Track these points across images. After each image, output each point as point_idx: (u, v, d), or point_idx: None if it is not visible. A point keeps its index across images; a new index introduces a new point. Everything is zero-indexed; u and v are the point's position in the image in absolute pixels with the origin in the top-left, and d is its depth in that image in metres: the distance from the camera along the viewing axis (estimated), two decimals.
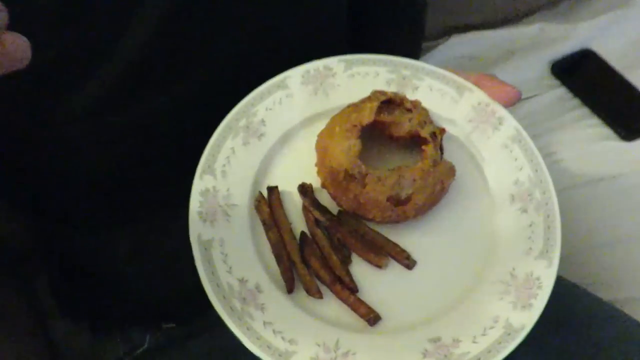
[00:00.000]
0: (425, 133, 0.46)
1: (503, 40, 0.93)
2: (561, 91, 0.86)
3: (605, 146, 0.78)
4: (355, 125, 0.46)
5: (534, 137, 0.79)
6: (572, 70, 0.88)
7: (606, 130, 0.80)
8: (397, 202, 0.45)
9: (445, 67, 0.53)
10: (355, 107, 0.48)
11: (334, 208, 0.47)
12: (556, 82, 0.87)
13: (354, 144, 0.45)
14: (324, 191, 0.48)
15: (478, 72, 0.52)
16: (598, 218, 0.72)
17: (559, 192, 0.73)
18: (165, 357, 0.57)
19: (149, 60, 0.49)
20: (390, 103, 0.48)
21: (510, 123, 0.49)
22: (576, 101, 0.85)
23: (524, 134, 0.49)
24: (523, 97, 0.83)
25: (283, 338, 0.41)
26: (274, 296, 0.43)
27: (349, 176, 0.45)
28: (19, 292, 0.62)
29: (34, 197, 0.58)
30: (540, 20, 0.94)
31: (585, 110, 0.83)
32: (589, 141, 0.79)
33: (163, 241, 0.57)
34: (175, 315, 0.59)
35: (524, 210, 0.46)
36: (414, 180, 0.44)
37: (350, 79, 0.52)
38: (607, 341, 0.55)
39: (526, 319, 0.42)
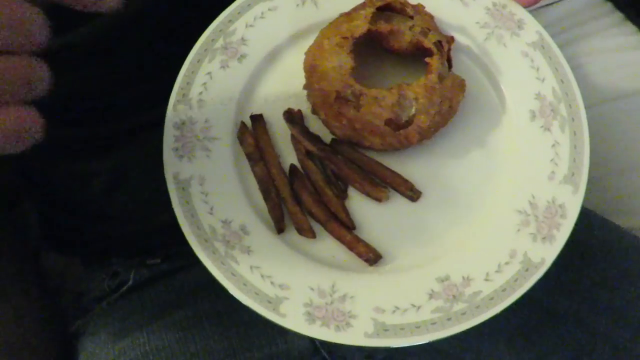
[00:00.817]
0: (429, 43, 0.40)
1: None
2: None
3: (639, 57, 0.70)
4: (346, 38, 0.40)
5: (559, 46, 0.73)
6: None
7: None
8: (398, 125, 0.40)
9: None
10: (347, 17, 0.42)
11: (327, 136, 0.42)
12: None
13: (346, 60, 0.40)
14: (316, 117, 0.42)
15: None
16: (626, 139, 0.66)
17: (586, 109, 0.67)
18: (150, 293, 0.56)
19: None
20: (388, 9, 0.42)
21: (531, 26, 0.43)
22: (609, 6, 0.76)
23: (548, 39, 0.43)
24: (547, 2, 0.76)
25: (272, 283, 0.38)
26: (261, 237, 0.40)
27: (342, 98, 0.40)
28: (5, 227, 0.60)
29: None
30: None
31: (618, 16, 0.75)
32: (622, 50, 0.71)
33: (143, 172, 0.54)
34: (159, 249, 0.57)
35: (547, 129, 0.41)
36: (417, 99, 0.39)
37: None
38: (627, 277, 0.52)
39: (547, 253, 0.38)
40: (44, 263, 0.65)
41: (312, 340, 0.53)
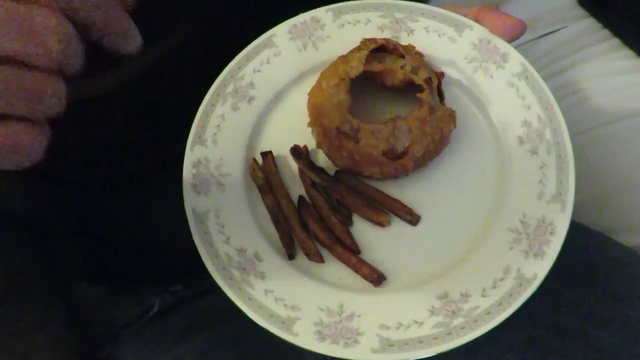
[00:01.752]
0: (419, 79, 0.44)
1: None
2: (589, 22, 0.80)
3: (638, 79, 0.72)
4: (343, 79, 0.44)
5: (559, 71, 0.76)
6: None
7: (639, 62, 0.75)
8: (394, 155, 0.43)
9: (444, 5, 0.50)
10: (343, 59, 0.46)
11: (331, 168, 0.46)
12: (583, 12, 0.82)
13: (344, 98, 0.44)
14: (321, 151, 0.47)
15: (477, 6, 0.49)
16: (623, 159, 0.68)
17: (584, 132, 0.70)
18: (173, 318, 0.60)
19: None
20: (381, 50, 0.46)
21: (515, 59, 0.47)
22: (606, 32, 0.79)
23: (532, 70, 0.46)
24: (546, 31, 0.80)
25: (285, 305, 0.41)
26: (274, 263, 0.43)
27: (342, 133, 0.44)
28: (39, 262, 0.65)
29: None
30: None
31: (616, 42, 0.77)
32: (621, 74, 0.73)
33: (163, 207, 0.58)
34: (181, 277, 0.61)
35: (534, 152, 0.44)
36: (410, 130, 0.43)
37: (341, 29, 0.50)
38: (631, 290, 0.53)
39: (539, 268, 0.40)
40: (74, 294, 0.70)
41: (325, 358, 0.56)
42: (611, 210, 0.66)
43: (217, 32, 0.53)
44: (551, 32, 0.80)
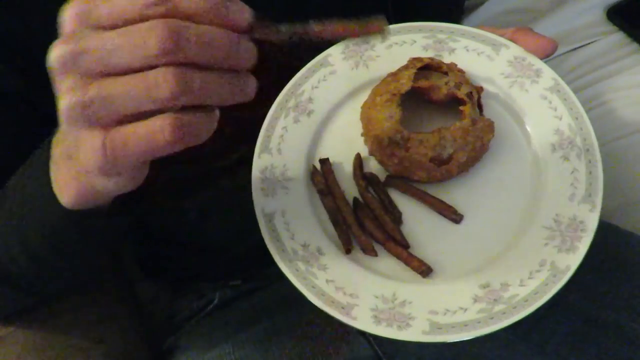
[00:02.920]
0: (461, 94, 0.51)
1: None
2: (618, 37, 0.85)
3: None
4: (395, 94, 0.51)
5: (589, 84, 0.81)
6: (630, 14, 0.86)
7: None
8: (440, 161, 0.49)
9: (481, 26, 0.56)
10: (393, 77, 0.53)
11: (382, 173, 0.53)
12: (612, 27, 0.87)
13: (395, 111, 0.50)
14: (372, 158, 0.53)
15: (513, 27, 0.55)
16: None
17: (613, 141, 0.75)
18: (233, 310, 0.66)
19: None
20: (426, 68, 0.52)
21: (547, 74, 0.52)
22: (635, 46, 0.84)
23: (563, 83, 0.52)
24: (576, 45, 0.85)
25: (345, 293, 0.47)
26: (334, 257, 0.49)
27: (393, 142, 0.50)
28: (109, 258, 0.73)
29: None
30: None
31: None
32: None
33: (226, 207, 0.65)
34: (241, 272, 0.67)
35: (566, 158, 0.50)
36: (455, 139, 0.49)
37: (388, 49, 0.56)
38: None
39: (571, 261, 0.45)
40: (137, 291, 0.77)
41: (373, 349, 0.62)
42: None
43: None
44: (582, 46, 0.86)
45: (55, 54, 0.31)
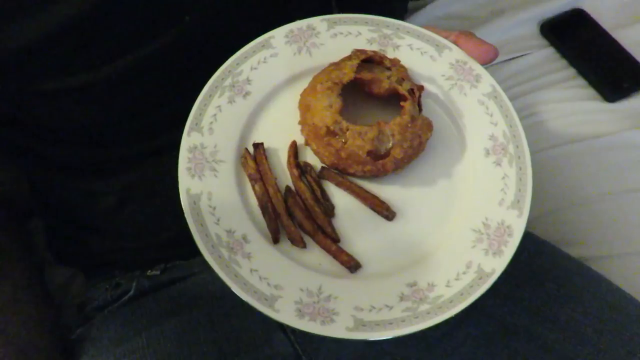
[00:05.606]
0: (403, 90, 0.51)
1: None
2: (549, 51, 0.90)
3: (589, 107, 0.82)
4: (336, 83, 0.50)
5: (520, 95, 0.85)
6: (562, 30, 0.91)
7: (591, 92, 0.84)
8: (377, 156, 0.49)
9: (427, 26, 0.57)
10: (336, 66, 0.52)
11: (317, 165, 0.52)
12: (545, 42, 0.91)
13: (335, 100, 0.50)
14: (308, 148, 0.52)
15: (457, 31, 0.57)
16: (575, 177, 0.77)
17: (540, 151, 0.79)
18: (149, 302, 0.63)
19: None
20: (370, 61, 0.52)
21: (486, 80, 0.54)
22: (563, 62, 0.88)
23: (500, 91, 0.54)
24: (511, 56, 0.89)
25: (269, 284, 0.46)
26: (260, 246, 0.48)
27: (331, 132, 0.49)
28: (16, 242, 0.68)
29: (26, 148, 0.64)
30: None
31: (572, 71, 0.87)
32: (573, 101, 0.83)
33: (149, 192, 0.62)
34: (159, 262, 0.65)
35: (498, 164, 0.51)
36: (393, 135, 0.49)
37: (333, 38, 0.56)
38: (573, 296, 0.61)
39: (497, 264, 0.47)
40: (46, 277, 0.72)
41: (294, 347, 0.62)
42: (560, 224, 0.74)
43: (217, 26, 0.58)
44: (514, 58, 0.89)
45: None
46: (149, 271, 0.65)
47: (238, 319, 0.60)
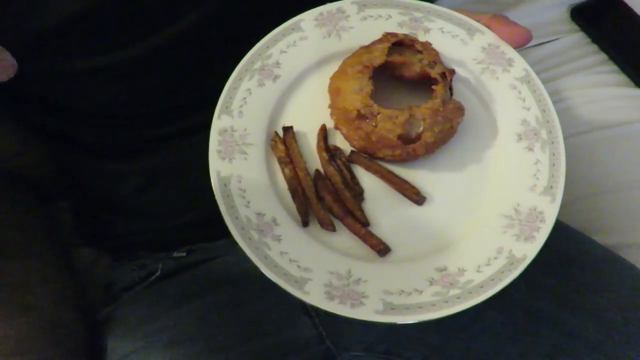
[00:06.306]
0: (435, 73, 0.51)
1: None
2: (579, 36, 0.88)
3: (620, 93, 0.81)
4: (366, 66, 0.50)
5: (548, 80, 0.84)
6: (593, 15, 0.90)
7: (622, 77, 0.83)
8: (408, 140, 0.49)
9: (458, 9, 0.57)
10: (366, 49, 0.52)
11: (347, 148, 0.52)
12: (575, 26, 0.90)
13: (366, 84, 0.50)
14: (337, 132, 0.52)
15: (490, 14, 0.56)
16: (604, 164, 0.76)
17: (569, 137, 0.78)
18: (175, 282, 0.64)
19: None
20: (401, 44, 0.52)
21: (519, 64, 0.53)
22: (594, 47, 0.87)
23: (533, 75, 0.53)
24: (540, 40, 0.88)
25: (299, 266, 0.47)
26: (289, 228, 0.49)
27: (361, 116, 0.49)
28: (43, 222, 0.69)
29: (55, 129, 0.65)
30: None
31: (603, 57, 0.86)
32: (604, 87, 0.82)
33: (176, 174, 0.63)
34: (186, 243, 0.66)
35: (530, 149, 0.51)
36: (424, 119, 0.49)
37: (363, 22, 0.56)
38: (600, 285, 0.61)
39: (528, 250, 0.47)
40: (73, 258, 0.74)
41: (318, 330, 0.62)
42: (588, 211, 0.74)
43: (246, 7, 0.58)
44: (544, 43, 0.88)
45: None
46: (175, 253, 0.66)
47: (262, 302, 0.61)
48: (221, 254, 0.65)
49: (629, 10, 0.89)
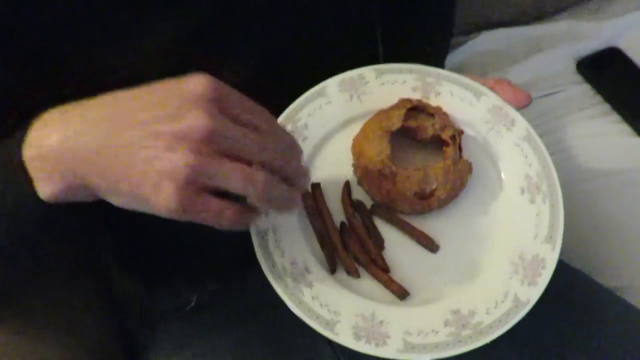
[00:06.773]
0: (445, 136, 0.57)
1: (531, 36, 1.00)
2: (585, 88, 0.94)
3: (622, 141, 0.86)
4: (386, 132, 0.57)
5: (555, 128, 0.90)
6: (598, 68, 0.95)
7: (625, 127, 0.88)
8: (423, 196, 0.56)
9: (465, 74, 0.63)
10: (385, 114, 0.59)
11: (368, 201, 0.59)
12: (580, 78, 0.96)
13: (385, 147, 0.57)
14: (360, 187, 0.59)
15: (494, 77, 0.63)
16: (606, 209, 0.80)
17: (573, 184, 0.84)
18: (209, 313, 0.69)
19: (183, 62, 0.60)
20: (415, 109, 0.59)
21: (521, 124, 0.60)
22: (598, 98, 0.92)
23: (534, 133, 0.59)
24: (548, 91, 0.94)
25: (329, 310, 0.53)
26: (319, 275, 0.55)
27: (382, 175, 0.56)
28: (88, 251, 0.75)
29: None
30: (568, 17, 1.01)
31: (606, 107, 0.91)
32: (607, 136, 0.87)
33: None
34: (218, 274, 0.71)
35: (532, 201, 0.57)
36: (437, 177, 0.56)
37: (381, 86, 0.63)
38: (603, 323, 0.65)
39: (532, 294, 0.52)
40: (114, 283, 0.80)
41: (337, 356, 0.67)
42: (593, 254, 0.79)
43: (275, 73, 0.64)
44: (552, 94, 0.94)
45: (205, 121, 0.40)
46: (210, 286, 0.71)
47: (288, 330, 0.66)
48: (253, 288, 0.70)
49: (630, 63, 0.95)
